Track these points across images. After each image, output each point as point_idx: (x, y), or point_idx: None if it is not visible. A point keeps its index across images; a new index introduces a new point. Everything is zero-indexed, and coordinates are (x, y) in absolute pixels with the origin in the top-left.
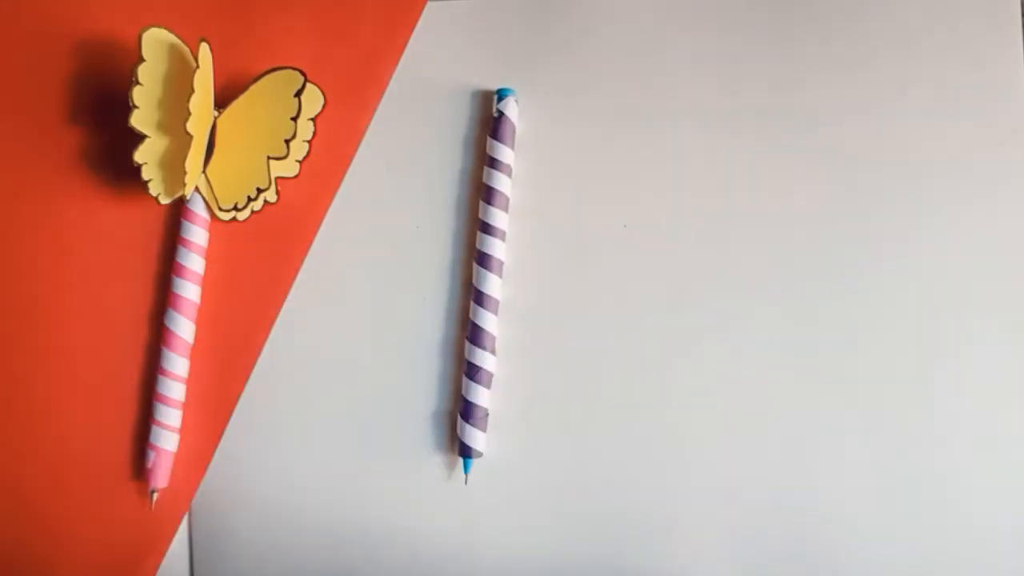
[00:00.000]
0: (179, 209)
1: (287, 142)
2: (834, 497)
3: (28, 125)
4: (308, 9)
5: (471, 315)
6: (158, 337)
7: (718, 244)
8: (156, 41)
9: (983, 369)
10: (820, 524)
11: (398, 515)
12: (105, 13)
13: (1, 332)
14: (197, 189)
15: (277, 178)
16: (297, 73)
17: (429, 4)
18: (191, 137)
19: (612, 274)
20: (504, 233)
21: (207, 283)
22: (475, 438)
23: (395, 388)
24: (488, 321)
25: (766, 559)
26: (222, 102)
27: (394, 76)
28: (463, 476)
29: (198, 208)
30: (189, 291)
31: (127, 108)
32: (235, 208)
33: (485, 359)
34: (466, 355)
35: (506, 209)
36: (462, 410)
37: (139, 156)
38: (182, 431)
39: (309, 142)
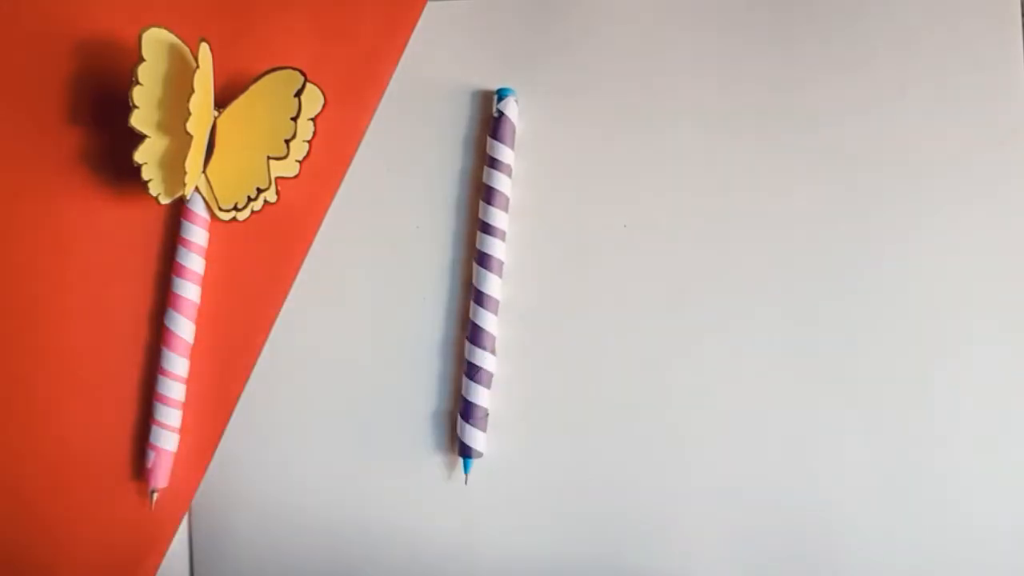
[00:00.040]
0: (179, 209)
1: (287, 142)
2: (834, 497)
3: (28, 125)
4: (308, 9)
5: (471, 315)
6: (158, 337)
7: (718, 244)
8: (156, 41)
9: (983, 369)
10: (820, 524)
11: (398, 515)
12: (105, 13)
13: (1, 332)
14: (197, 189)
15: (277, 178)
16: (297, 73)
17: (429, 4)
18: (191, 137)
19: (612, 274)
20: (504, 233)
21: (207, 283)
22: (475, 438)
23: (395, 388)
24: (488, 321)
25: (766, 559)
26: (222, 102)
27: (394, 76)
28: (463, 476)
29: (198, 208)
30: (189, 291)
31: (127, 108)
32: (235, 208)
33: (485, 359)
34: (466, 355)
35: (506, 209)
36: (462, 410)
37: (139, 156)
38: (182, 431)
39: (309, 142)
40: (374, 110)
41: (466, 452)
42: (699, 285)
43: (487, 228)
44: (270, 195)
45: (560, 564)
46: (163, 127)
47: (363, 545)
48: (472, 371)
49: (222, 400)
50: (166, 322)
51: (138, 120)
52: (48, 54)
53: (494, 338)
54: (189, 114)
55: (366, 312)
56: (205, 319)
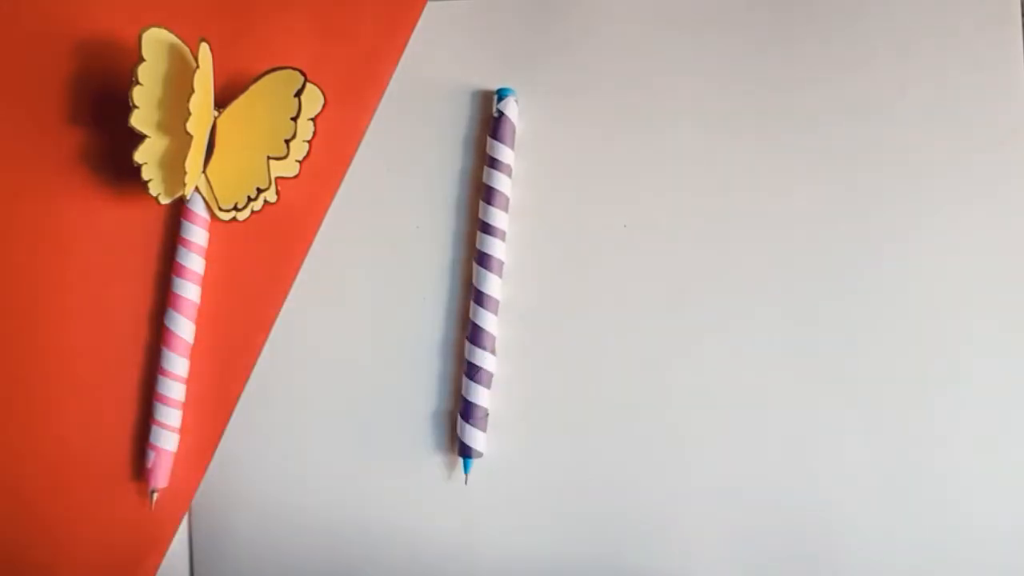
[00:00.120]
0: (179, 209)
1: (287, 142)
2: (834, 497)
3: (28, 125)
4: (308, 9)
5: (471, 315)
6: (158, 337)
7: (718, 244)
8: (156, 41)
9: (983, 369)
10: (820, 524)
11: (398, 515)
12: (105, 13)
13: (1, 332)
14: (197, 189)
15: (277, 178)
16: (297, 73)
17: (429, 4)
18: (191, 137)
19: (612, 274)
20: (504, 233)
21: (207, 283)
22: (475, 438)
23: (395, 388)
24: (488, 321)
25: (766, 559)
26: (222, 102)
27: (394, 76)
28: (463, 476)
29: (198, 208)
30: (189, 291)
31: (127, 108)
32: (235, 208)
33: (485, 359)
34: (466, 355)
35: (506, 209)
36: (462, 410)
37: (139, 156)
38: (182, 431)
39: (309, 142)
40: (374, 110)
41: (466, 452)
42: (699, 285)
43: (487, 228)
44: (270, 195)
45: (560, 564)
46: (163, 127)
47: (363, 545)
48: (472, 371)
49: (222, 400)
50: (166, 322)
51: (138, 120)
52: (48, 54)
53: (494, 338)
54: (189, 114)
55: (366, 312)
56: (205, 319)
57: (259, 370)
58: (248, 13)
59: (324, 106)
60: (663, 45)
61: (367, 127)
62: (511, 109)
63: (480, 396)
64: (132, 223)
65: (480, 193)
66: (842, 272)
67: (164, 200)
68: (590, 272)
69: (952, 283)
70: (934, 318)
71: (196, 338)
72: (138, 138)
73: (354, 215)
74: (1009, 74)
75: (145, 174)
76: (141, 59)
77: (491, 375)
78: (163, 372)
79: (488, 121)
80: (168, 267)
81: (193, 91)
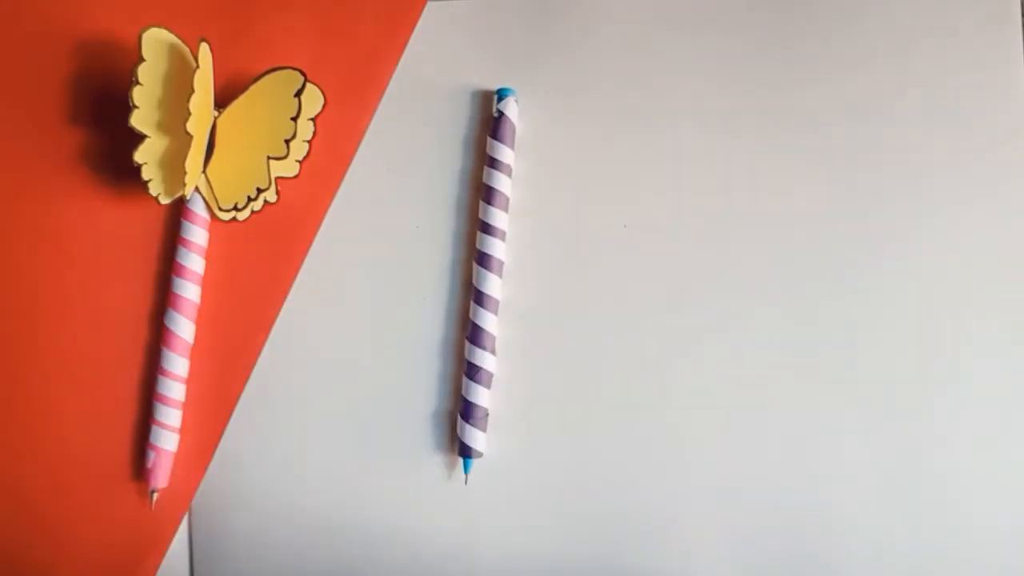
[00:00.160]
0: (179, 209)
1: (287, 142)
2: (834, 497)
3: (28, 125)
4: (308, 9)
5: (471, 315)
6: (158, 337)
7: (718, 244)
8: (156, 41)
9: (983, 369)
10: (820, 524)
11: (398, 515)
12: (105, 13)
13: (1, 332)
14: (197, 189)
15: (277, 178)
16: (297, 73)
17: (429, 4)
18: (191, 137)
19: (612, 274)
20: (504, 233)
21: (207, 283)
22: (475, 438)
23: (395, 388)
24: (488, 321)
25: (766, 559)
26: (222, 102)
27: (394, 76)
28: (463, 476)
29: (198, 208)
30: (189, 291)
31: (127, 108)
32: (235, 208)
33: (485, 359)
34: (466, 355)
35: (506, 209)
36: (462, 410)
37: (139, 156)
38: (182, 431)
39: (309, 142)
40: (374, 110)
41: (466, 452)
42: (699, 285)
43: (487, 228)
44: (270, 195)
45: (560, 564)
46: (163, 127)
47: (363, 545)
48: (472, 371)
49: (222, 400)
50: (166, 322)
51: (138, 120)
52: (48, 54)
53: (494, 338)
54: (189, 114)
55: (366, 312)
56: (205, 319)
57: (259, 370)
58: (248, 13)
59: (324, 106)
60: (663, 45)
61: (367, 127)
62: (511, 109)
63: (480, 396)
64: (132, 223)
65: (480, 193)
66: (842, 272)
67: (164, 200)
68: (590, 272)
69: (952, 283)
70: (934, 318)
71: (196, 338)
72: (138, 138)
73: (354, 215)
74: (1009, 74)
75: (145, 174)
76: (141, 59)
77: (491, 375)
78: (163, 372)
79: (488, 121)
80: (168, 267)
81: (193, 91)
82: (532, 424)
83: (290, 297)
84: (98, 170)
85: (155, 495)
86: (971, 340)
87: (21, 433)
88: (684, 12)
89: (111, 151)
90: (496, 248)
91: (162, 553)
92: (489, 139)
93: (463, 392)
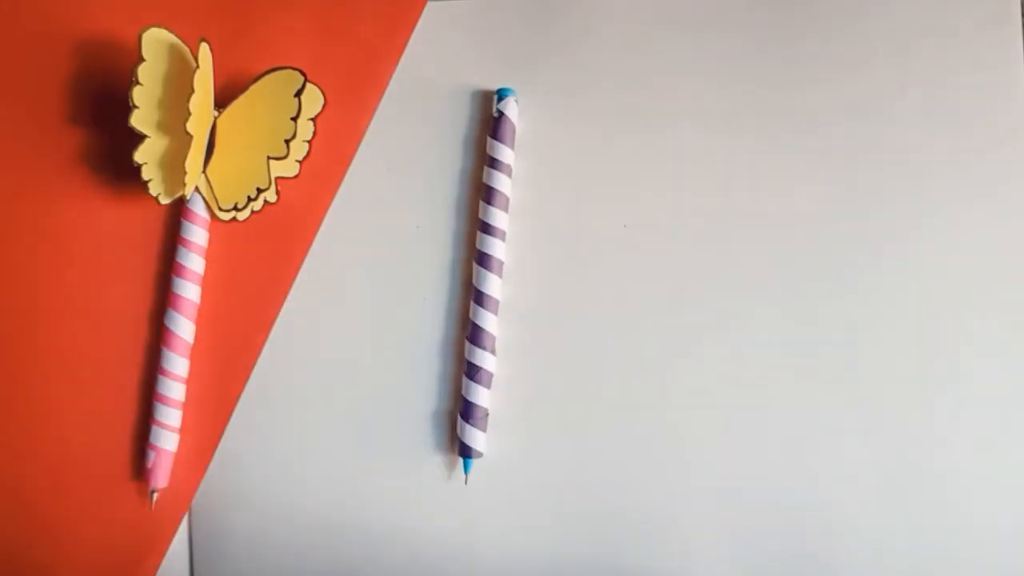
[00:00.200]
0: (179, 209)
1: (287, 142)
2: (834, 497)
3: (28, 125)
4: (308, 9)
5: (471, 315)
6: (158, 337)
7: (718, 244)
8: (156, 41)
9: (983, 369)
10: (820, 524)
11: (398, 515)
12: (105, 13)
13: (1, 332)
14: (197, 189)
15: (277, 178)
16: (297, 73)
17: (429, 4)
18: (191, 137)
19: (612, 274)
20: (504, 233)
21: (207, 283)
22: (475, 438)
23: (395, 388)
24: (488, 321)
25: (766, 559)
26: (222, 102)
27: (394, 76)
28: (463, 476)
29: (198, 208)
30: (189, 291)
31: (127, 108)
32: (235, 208)
33: (485, 359)
34: (466, 355)
35: (506, 209)
36: (462, 410)
37: (139, 156)
38: (182, 431)
39: (309, 142)
40: (374, 110)
41: (466, 452)
42: (699, 285)
43: (487, 228)
44: (270, 195)
45: (560, 564)
46: (163, 127)
47: (363, 545)
48: (472, 371)
49: (222, 400)
50: (166, 322)
51: (138, 120)
52: (48, 54)
53: (494, 338)
54: (189, 114)
55: (366, 312)
56: (205, 319)
57: (259, 370)
58: (248, 13)
59: (324, 106)
60: (663, 45)
61: (367, 127)
62: (511, 109)
63: (480, 396)
64: (132, 223)
65: (480, 193)
66: (842, 272)
67: (164, 200)
68: (590, 272)
69: (952, 283)
70: (934, 318)
71: (196, 338)
72: (138, 138)
73: (354, 215)
74: (1009, 74)
75: (145, 174)
76: (141, 59)
77: (491, 375)
78: (163, 372)
79: (488, 121)
80: (168, 267)
81: (193, 91)
82: (532, 424)
83: (290, 297)
84: (98, 170)
85: (155, 495)
86: (971, 340)
87: (21, 433)
88: (684, 12)
89: (111, 151)
90: (496, 248)
91: (162, 553)
92: (489, 139)
93: (463, 392)
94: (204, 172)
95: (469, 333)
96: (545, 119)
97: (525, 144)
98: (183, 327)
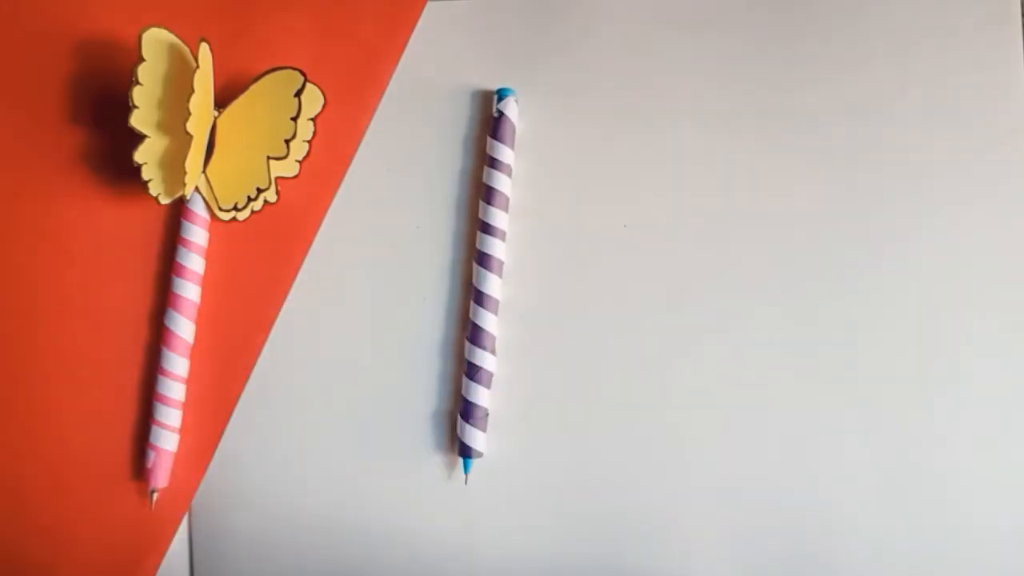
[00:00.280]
0: (179, 209)
1: (287, 142)
2: (834, 497)
3: (28, 125)
4: (308, 9)
5: (471, 315)
6: (158, 337)
7: (718, 244)
8: (156, 41)
9: (983, 369)
10: (820, 524)
11: (398, 515)
12: (105, 13)
13: (1, 332)
14: (197, 189)
15: (277, 178)
16: (297, 73)
17: (429, 4)
18: (191, 137)
19: (612, 274)
20: (504, 233)
21: (207, 283)
22: (475, 438)
23: (395, 388)
24: (488, 321)
25: (766, 559)
26: (222, 102)
27: (394, 76)
28: (463, 476)
29: (198, 208)
30: (189, 291)
31: (127, 108)
32: (235, 208)
33: (485, 359)
34: (466, 355)
35: (506, 209)
36: (462, 410)
37: (139, 156)
38: (182, 431)
39: (309, 142)
40: (374, 110)
41: (466, 452)
42: (699, 285)
43: (487, 228)
44: (270, 195)
45: (560, 564)
46: (163, 127)
47: (363, 545)
48: (472, 371)
49: (222, 400)
50: (166, 322)
51: (138, 120)
52: (48, 54)
53: (494, 338)
54: (189, 114)
55: (366, 312)
56: (205, 319)
57: (259, 370)
58: (248, 13)
59: (324, 106)
60: (663, 45)
61: (367, 127)
62: (511, 109)
63: (480, 396)
64: (132, 223)
65: (480, 193)
66: (842, 272)
67: (164, 200)
68: (590, 272)
69: (952, 283)
70: (934, 318)
71: (196, 338)
72: (138, 138)
73: (354, 215)
74: (1009, 74)
75: (145, 174)
76: (141, 59)
77: (491, 375)
78: (163, 372)
79: (488, 121)
80: (168, 267)
81: (193, 91)
82: (532, 424)
83: (290, 297)
84: (98, 170)
85: (155, 495)
86: (971, 340)
87: (21, 433)
88: (684, 12)
89: (111, 151)
90: (496, 248)
91: (162, 553)
92: (489, 139)
93: (463, 392)
94: (204, 172)
95: (469, 333)
96: (545, 119)
97: (525, 144)
98: (183, 327)
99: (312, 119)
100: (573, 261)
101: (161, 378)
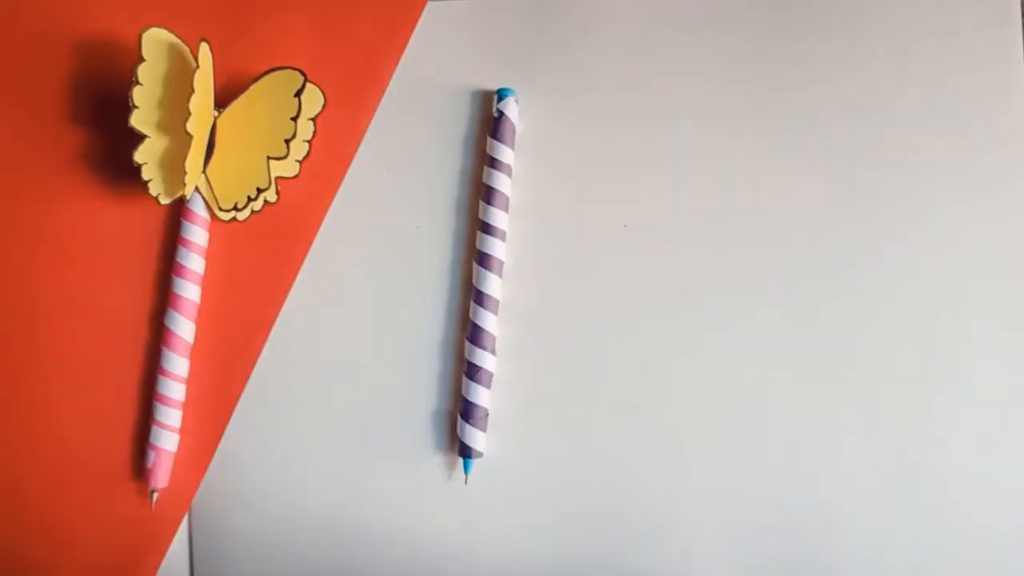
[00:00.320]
0: (179, 209)
1: (287, 142)
2: (834, 497)
3: (28, 125)
4: (308, 9)
5: (471, 315)
6: (158, 337)
7: (718, 244)
8: (156, 41)
9: (983, 369)
10: (820, 524)
11: (398, 515)
12: (105, 13)
13: (1, 332)
14: (197, 189)
15: (277, 178)
16: (297, 73)
17: (429, 4)
18: (191, 137)
19: (612, 274)
20: (504, 233)
21: (207, 283)
22: (475, 438)
23: (395, 388)
24: (488, 321)
25: (766, 559)
26: (222, 102)
27: (394, 76)
28: (463, 476)
29: (198, 208)
30: (189, 291)
31: (127, 108)
32: (235, 208)
33: (485, 359)
34: (466, 355)
35: (506, 209)
36: (462, 410)
37: (139, 156)
38: (182, 431)
39: (309, 142)
40: (374, 110)
41: (466, 452)
42: (699, 285)
43: (487, 228)
44: (270, 195)
45: (560, 564)
46: (163, 127)
47: (363, 545)
48: (472, 371)
49: (222, 400)
50: (166, 322)
51: (138, 120)
52: (48, 54)
53: (494, 338)
54: (189, 114)
55: (366, 312)
56: (205, 319)
57: (259, 370)
58: (248, 13)
59: (324, 106)
60: (663, 45)
61: (367, 127)
62: (511, 109)
63: (480, 396)
64: (132, 223)
65: (480, 193)
66: (842, 272)
67: (164, 200)
68: (590, 272)
69: (952, 283)
70: (934, 318)
71: (196, 338)
72: (138, 138)
73: (354, 215)
74: (1009, 74)
75: (145, 174)
76: (141, 59)
77: (491, 375)
78: (163, 372)
79: (488, 121)
80: (168, 267)
81: (193, 91)
82: (532, 424)
83: (290, 297)
84: (98, 170)
85: (155, 495)
86: (971, 340)
87: (21, 433)
88: (684, 12)
89: (111, 151)
90: (496, 248)
91: (162, 553)
92: (489, 139)
93: (463, 392)
94: (204, 172)
95: (469, 333)
96: (545, 119)
97: (525, 144)
98: (183, 327)
99: (312, 119)
100: (573, 261)
101: (161, 378)
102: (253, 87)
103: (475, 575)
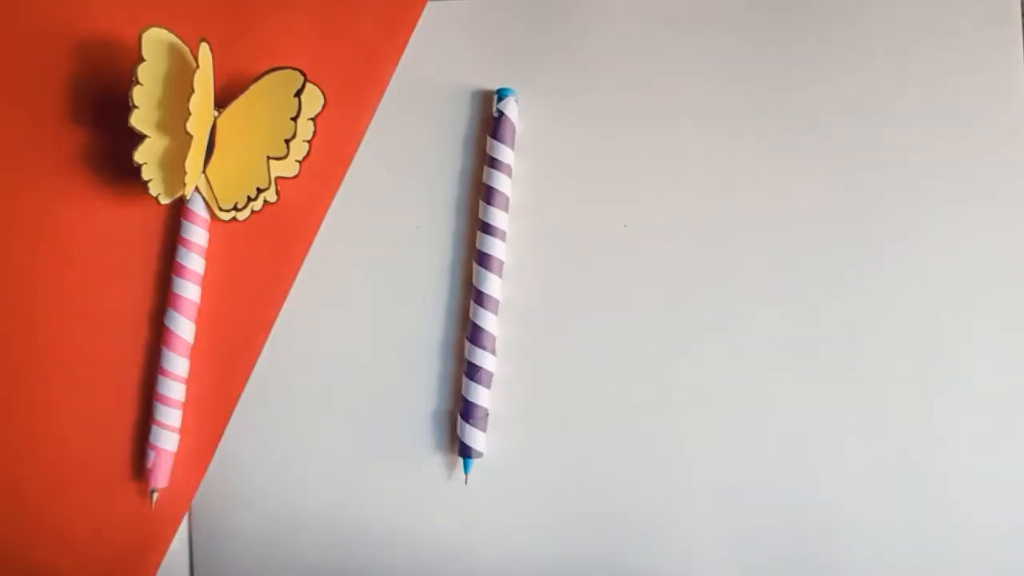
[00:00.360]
0: (179, 209)
1: (287, 142)
2: (834, 497)
3: (28, 125)
4: (308, 9)
5: (471, 315)
6: (158, 337)
7: (718, 244)
8: (156, 41)
9: (983, 369)
10: (820, 524)
11: (398, 515)
12: (105, 13)
13: (1, 332)
14: (197, 189)
15: (277, 178)
16: (297, 73)
17: (429, 4)
18: (191, 137)
19: (612, 274)
20: (504, 233)
21: (207, 283)
22: (475, 438)
23: (395, 388)
24: (488, 321)
25: (766, 559)
26: (222, 102)
27: (394, 76)
28: (463, 476)
29: (198, 208)
30: (189, 291)
31: (127, 108)
32: (235, 208)
33: (485, 359)
34: (466, 355)
35: (506, 209)
36: (462, 410)
37: (139, 156)
38: (182, 431)
39: (309, 142)
40: (374, 110)
41: (466, 452)
42: (699, 285)
43: (487, 228)
44: (270, 195)
45: (560, 564)
46: (163, 127)
47: (363, 545)
48: (472, 371)
49: (222, 400)
50: (166, 322)
51: (138, 120)
52: (48, 54)
53: (494, 338)
54: (189, 114)
55: (366, 312)
56: (205, 319)
57: (259, 370)
58: (248, 13)
59: (324, 106)
60: (663, 45)
61: (367, 127)
62: (511, 109)
63: (480, 396)
64: (132, 223)
65: (480, 193)
66: (842, 272)
67: (164, 200)
68: (590, 272)
69: (952, 283)
70: (934, 318)
71: (196, 338)
72: (138, 138)
73: (354, 215)
74: (1009, 74)
75: (145, 174)
76: (141, 59)
77: (491, 375)
78: (163, 372)
79: (488, 121)
80: (168, 267)
81: (193, 91)
82: (532, 424)
83: (290, 297)
84: (98, 170)
85: (155, 495)
86: (971, 340)
87: (21, 433)
88: (684, 12)
89: (111, 151)
90: (496, 248)
91: (162, 553)
92: (489, 139)
93: (463, 392)
94: (204, 172)
95: (469, 333)
96: (545, 119)
97: (525, 144)
98: (183, 327)
99: (312, 119)
100: (573, 261)
101: (161, 378)
102: (253, 87)
103: (475, 575)
